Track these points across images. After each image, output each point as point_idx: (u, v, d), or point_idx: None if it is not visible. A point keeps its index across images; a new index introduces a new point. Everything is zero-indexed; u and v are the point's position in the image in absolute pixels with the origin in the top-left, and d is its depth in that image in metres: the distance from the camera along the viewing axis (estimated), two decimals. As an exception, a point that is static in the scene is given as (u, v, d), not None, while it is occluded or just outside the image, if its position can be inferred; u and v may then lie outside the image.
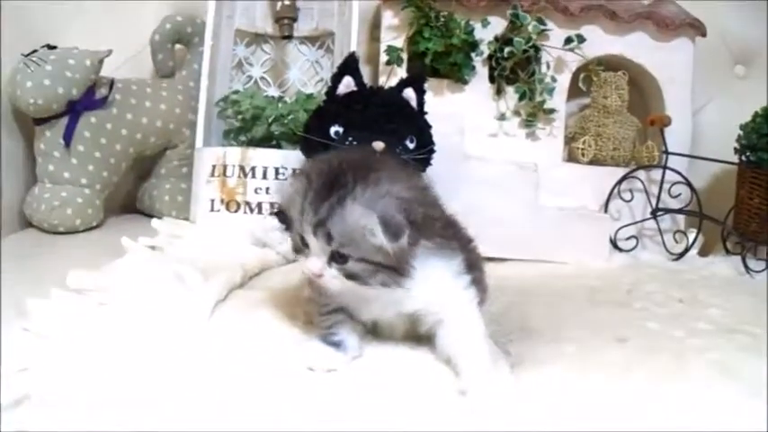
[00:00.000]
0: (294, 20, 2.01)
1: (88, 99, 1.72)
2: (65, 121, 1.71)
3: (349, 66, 1.53)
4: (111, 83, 1.76)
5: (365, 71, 1.71)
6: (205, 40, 1.88)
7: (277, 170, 1.68)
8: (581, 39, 1.86)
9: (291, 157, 1.67)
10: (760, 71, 2.13)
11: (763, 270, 1.66)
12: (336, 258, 0.89)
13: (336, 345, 0.97)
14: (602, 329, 1.11)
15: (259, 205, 1.69)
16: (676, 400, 0.88)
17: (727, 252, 1.82)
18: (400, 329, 1.03)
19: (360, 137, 1.42)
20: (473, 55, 1.82)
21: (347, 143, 1.42)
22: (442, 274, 0.96)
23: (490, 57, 1.86)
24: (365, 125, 1.44)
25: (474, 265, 1.02)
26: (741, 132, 1.83)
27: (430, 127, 1.54)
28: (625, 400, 0.88)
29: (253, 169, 1.68)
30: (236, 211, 1.69)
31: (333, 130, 1.45)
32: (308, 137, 1.48)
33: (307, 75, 2.05)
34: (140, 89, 1.84)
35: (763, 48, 2.13)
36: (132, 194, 2.00)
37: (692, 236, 1.84)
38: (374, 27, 2.02)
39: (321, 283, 0.92)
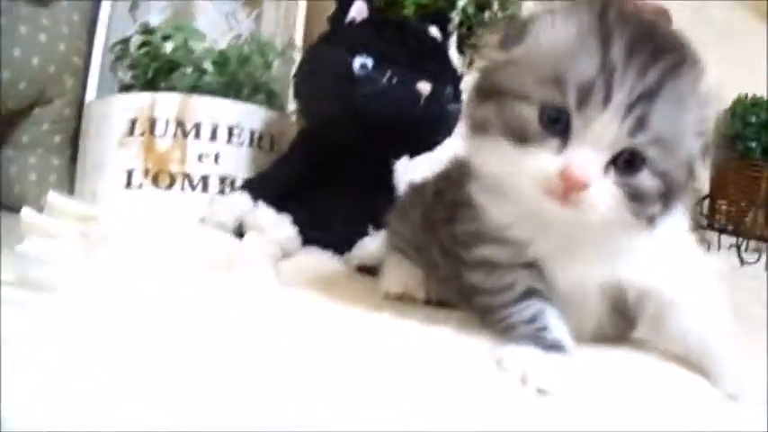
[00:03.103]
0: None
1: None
2: None
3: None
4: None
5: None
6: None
7: (231, 129, 1.21)
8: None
9: (252, 112, 1.21)
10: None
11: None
12: (624, 163, 0.59)
13: (557, 346, 0.65)
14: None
15: (204, 180, 1.19)
16: None
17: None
18: (594, 316, 0.73)
19: (400, 74, 1.04)
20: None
21: (386, 80, 1.02)
22: (679, 231, 0.70)
23: (461, 23, 1.53)
24: (403, 61, 1.05)
25: None
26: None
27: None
28: None
29: (197, 126, 1.19)
30: (168, 188, 1.18)
31: (358, 61, 1.05)
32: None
33: (218, 30, 1.57)
34: (10, 8, 1.25)
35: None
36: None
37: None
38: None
39: (577, 201, 0.59)
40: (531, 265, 0.68)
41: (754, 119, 1.61)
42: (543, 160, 0.59)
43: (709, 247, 1.72)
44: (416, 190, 0.88)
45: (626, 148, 0.58)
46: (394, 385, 0.58)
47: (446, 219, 0.75)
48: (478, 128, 0.63)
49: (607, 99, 0.56)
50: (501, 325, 0.69)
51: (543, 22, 0.62)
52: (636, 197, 0.60)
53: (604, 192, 0.59)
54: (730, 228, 1.67)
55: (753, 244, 1.69)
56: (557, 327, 0.67)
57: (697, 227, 1.64)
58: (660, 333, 0.73)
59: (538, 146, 0.59)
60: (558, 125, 0.59)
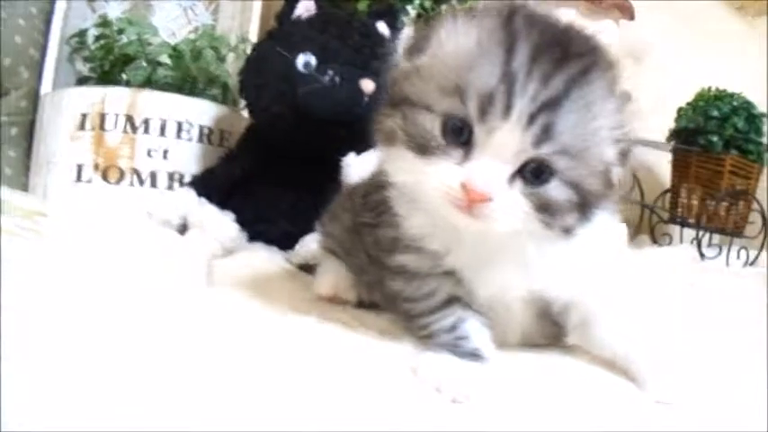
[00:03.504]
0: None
1: None
2: None
3: (308, -18, 1.14)
4: None
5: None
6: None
7: (180, 125, 1.20)
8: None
9: (202, 107, 1.21)
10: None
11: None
12: (531, 174, 0.57)
13: (475, 355, 0.65)
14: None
15: (153, 176, 1.19)
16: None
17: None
18: (519, 325, 0.73)
19: (342, 72, 1.04)
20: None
21: (327, 78, 1.02)
22: (604, 238, 0.67)
23: (418, 17, 1.52)
24: (347, 58, 1.05)
25: None
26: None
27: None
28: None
29: (146, 122, 1.18)
30: (117, 183, 1.18)
31: (301, 60, 1.05)
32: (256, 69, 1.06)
33: (176, 23, 1.56)
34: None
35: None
36: None
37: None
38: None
39: (480, 213, 0.57)
40: (453, 273, 0.67)
41: (715, 112, 1.60)
42: (445, 172, 0.57)
43: (671, 241, 1.73)
44: (348, 193, 0.87)
45: (531, 158, 0.56)
46: (309, 388, 0.57)
47: (371, 223, 0.74)
48: (387, 138, 0.62)
49: (508, 109, 0.54)
50: (422, 332, 0.69)
51: (447, 29, 0.60)
52: (545, 208, 0.57)
53: (509, 204, 0.57)
54: (691, 221, 1.68)
55: (715, 238, 1.69)
56: (477, 335, 0.66)
57: (658, 220, 1.67)
58: (587, 341, 0.72)
59: (441, 157, 0.57)
60: (460, 136, 0.57)
